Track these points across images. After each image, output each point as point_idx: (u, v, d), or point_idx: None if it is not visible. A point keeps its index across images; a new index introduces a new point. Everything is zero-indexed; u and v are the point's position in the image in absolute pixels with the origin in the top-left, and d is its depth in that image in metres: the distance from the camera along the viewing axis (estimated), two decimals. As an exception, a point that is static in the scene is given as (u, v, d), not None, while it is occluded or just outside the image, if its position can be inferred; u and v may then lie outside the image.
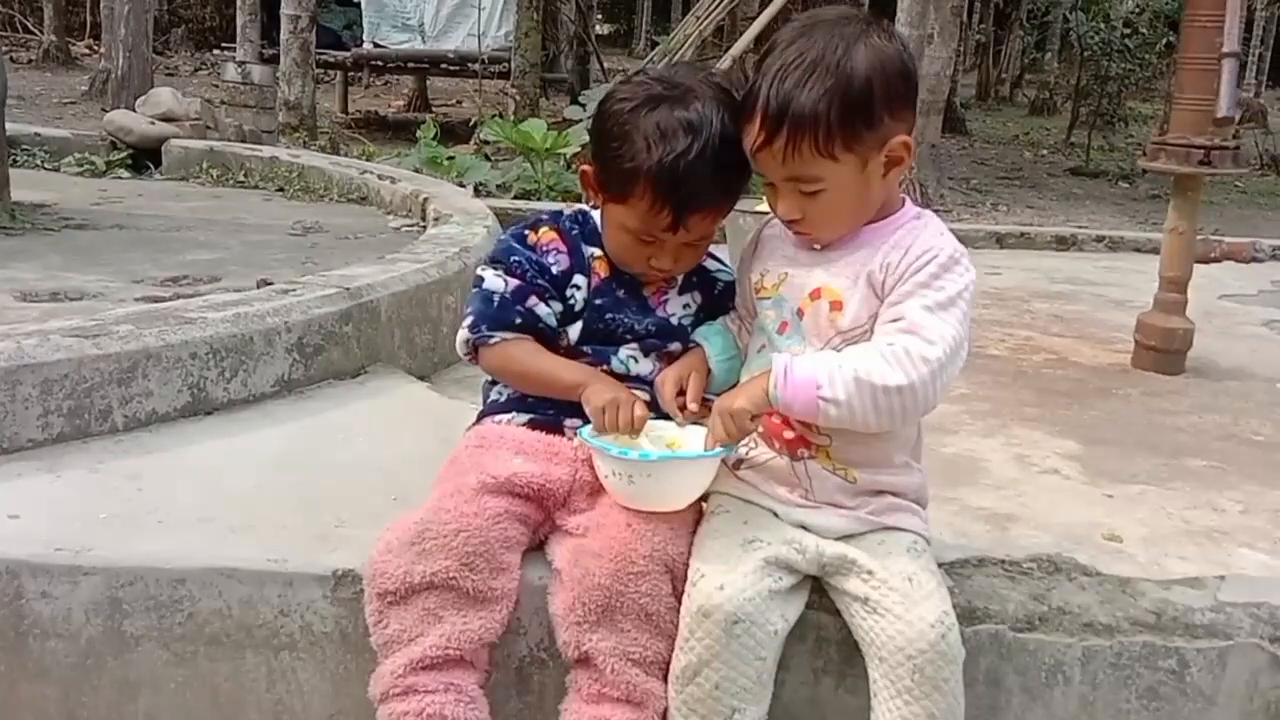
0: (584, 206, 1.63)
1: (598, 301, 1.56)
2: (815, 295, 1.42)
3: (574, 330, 1.56)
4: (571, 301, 1.56)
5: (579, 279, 1.56)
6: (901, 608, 1.34)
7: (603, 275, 1.57)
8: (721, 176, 1.47)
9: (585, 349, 1.56)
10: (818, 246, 1.46)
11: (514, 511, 1.44)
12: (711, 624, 1.32)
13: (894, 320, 1.36)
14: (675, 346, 1.58)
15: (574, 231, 1.59)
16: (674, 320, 1.60)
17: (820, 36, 1.36)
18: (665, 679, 1.37)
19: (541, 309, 1.54)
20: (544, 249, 1.57)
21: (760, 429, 1.47)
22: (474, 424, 1.62)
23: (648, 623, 1.36)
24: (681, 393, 1.51)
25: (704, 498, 1.52)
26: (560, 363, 1.54)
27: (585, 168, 1.57)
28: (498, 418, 1.58)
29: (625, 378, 1.55)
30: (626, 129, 1.47)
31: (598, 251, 1.58)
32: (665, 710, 1.37)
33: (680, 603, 1.37)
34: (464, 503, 1.41)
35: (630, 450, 1.42)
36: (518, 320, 1.53)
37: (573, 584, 1.38)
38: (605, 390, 1.47)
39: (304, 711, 1.50)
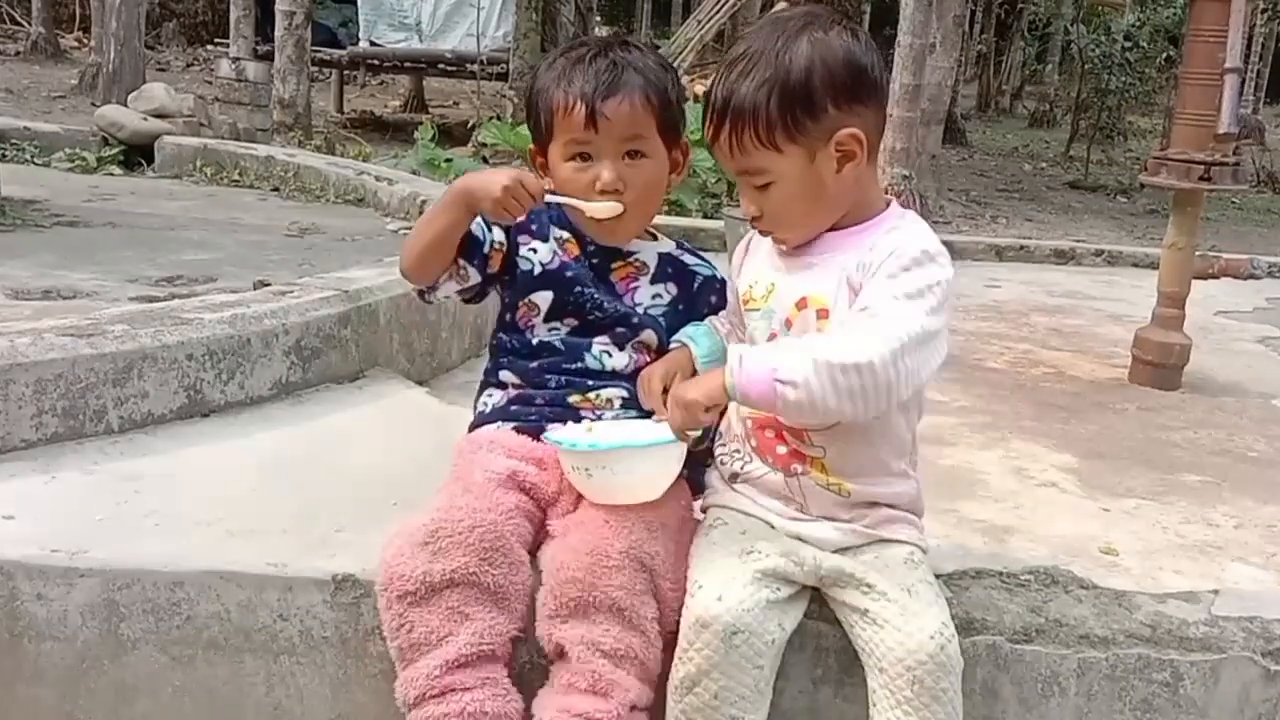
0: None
1: (569, 274, 1.58)
2: (801, 305, 1.43)
3: (543, 300, 1.58)
4: (528, 267, 1.58)
5: (537, 244, 1.59)
6: (901, 619, 1.34)
7: (574, 255, 1.60)
8: (634, 67, 1.52)
9: (558, 327, 1.57)
10: (784, 248, 1.47)
11: (523, 508, 1.45)
12: (710, 634, 1.32)
13: (861, 309, 1.36)
14: (648, 335, 1.59)
15: (543, 215, 1.61)
16: (641, 309, 1.60)
17: (766, 31, 1.41)
18: (637, 675, 1.35)
19: (476, 226, 1.56)
20: None
21: (755, 444, 1.47)
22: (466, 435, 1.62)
23: (619, 616, 1.35)
24: (665, 391, 1.50)
25: (701, 508, 1.53)
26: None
27: (530, 151, 1.63)
28: (485, 427, 1.59)
29: (600, 374, 1.57)
30: (535, 84, 1.59)
31: (566, 234, 1.60)
32: (634, 705, 1.35)
33: (658, 601, 1.37)
34: (476, 499, 1.41)
35: (580, 443, 1.43)
36: None
37: (548, 577, 1.38)
38: (488, 176, 1.48)
39: (303, 716, 1.49)
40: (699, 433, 1.46)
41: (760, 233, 1.49)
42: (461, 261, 1.57)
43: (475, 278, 1.59)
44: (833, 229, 1.44)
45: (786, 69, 1.36)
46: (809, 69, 1.36)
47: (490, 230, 1.58)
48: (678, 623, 1.38)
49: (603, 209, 1.52)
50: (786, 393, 1.30)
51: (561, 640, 1.36)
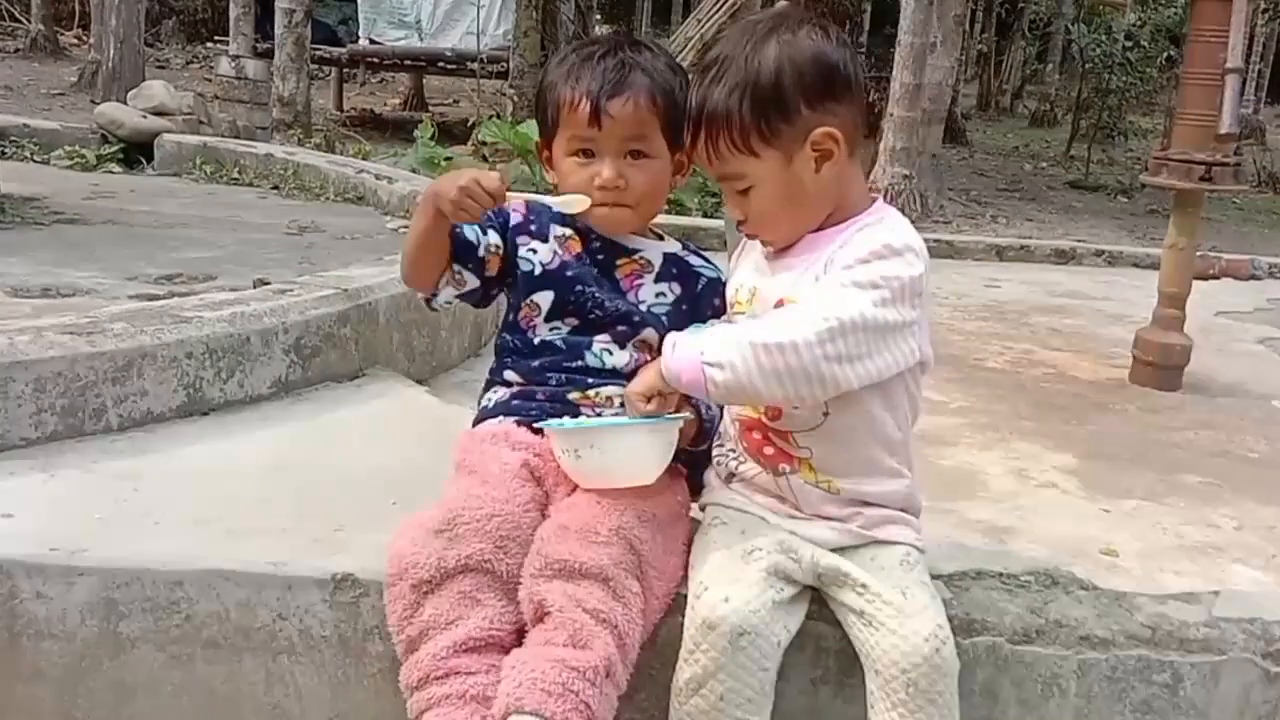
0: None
1: (569, 273, 1.57)
2: (779, 306, 1.42)
3: (545, 300, 1.57)
4: (529, 267, 1.57)
5: (537, 244, 1.59)
6: (895, 622, 1.34)
7: (575, 252, 1.59)
8: (642, 68, 1.52)
9: (559, 326, 1.57)
10: (770, 250, 1.47)
11: (537, 500, 1.45)
12: (717, 636, 1.32)
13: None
14: (649, 334, 1.58)
15: (544, 214, 1.61)
16: (644, 306, 1.60)
17: (736, 35, 1.41)
18: (616, 644, 1.31)
19: (469, 229, 1.56)
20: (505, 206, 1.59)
21: (745, 445, 1.48)
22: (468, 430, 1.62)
23: (605, 584, 1.33)
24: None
25: (700, 506, 1.53)
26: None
27: (537, 144, 1.63)
28: (488, 422, 1.59)
29: (600, 372, 1.56)
30: (545, 79, 1.60)
31: (568, 232, 1.60)
32: (609, 670, 1.30)
33: (643, 587, 1.37)
34: (495, 489, 1.42)
35: (566, 422, 1.45)
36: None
37: (535, 546, 1.37)
38: (452, 177, 1.47)
39: (301, 715, 1.49)
40: (684, 415, 1.45)
41: (747, 235, 1.49)
42: (457, 267, 1.57)
43: (473, 282, 1.59)
44: (817, 229, 1.44)
45: (756, 72, 1.36)
46: (778, 70, 1.36)
47: (485, 234, 1.58)
48: (660, 617, 1.39)
49: (569, 203, 1.51)
50: (714, 374, 1.32)
51: (544, 596, 1.32)
